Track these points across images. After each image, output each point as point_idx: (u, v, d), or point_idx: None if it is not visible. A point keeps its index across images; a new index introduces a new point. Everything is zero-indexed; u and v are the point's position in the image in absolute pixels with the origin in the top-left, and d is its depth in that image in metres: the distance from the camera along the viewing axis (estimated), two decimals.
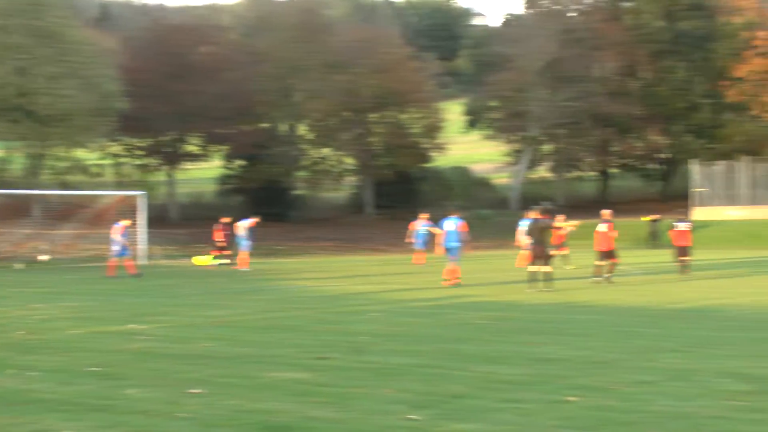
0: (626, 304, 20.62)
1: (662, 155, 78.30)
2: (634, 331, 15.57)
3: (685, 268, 30.21)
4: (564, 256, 34.56)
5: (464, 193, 69.78)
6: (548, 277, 24.18)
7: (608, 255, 27.53)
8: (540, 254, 24.27)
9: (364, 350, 13.66)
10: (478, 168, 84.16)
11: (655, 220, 50.98)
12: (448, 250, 27.10)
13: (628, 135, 75.17)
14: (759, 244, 49.67)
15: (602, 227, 27.96)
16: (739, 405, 9.55)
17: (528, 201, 47.89)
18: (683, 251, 30.62)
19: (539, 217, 25.03)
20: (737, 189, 59.87)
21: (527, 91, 70.64)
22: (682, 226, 31.12)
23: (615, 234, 28.06)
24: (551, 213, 29.35)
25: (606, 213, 28.76)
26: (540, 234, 24.46)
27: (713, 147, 70.55)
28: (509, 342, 14.39)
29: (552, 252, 34.89)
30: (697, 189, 60.86)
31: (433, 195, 65.87)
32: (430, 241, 35.97)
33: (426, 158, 69.52)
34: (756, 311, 18.62)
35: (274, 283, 29.13)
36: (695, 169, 61.86)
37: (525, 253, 24.45)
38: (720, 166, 61.19)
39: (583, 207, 58.04)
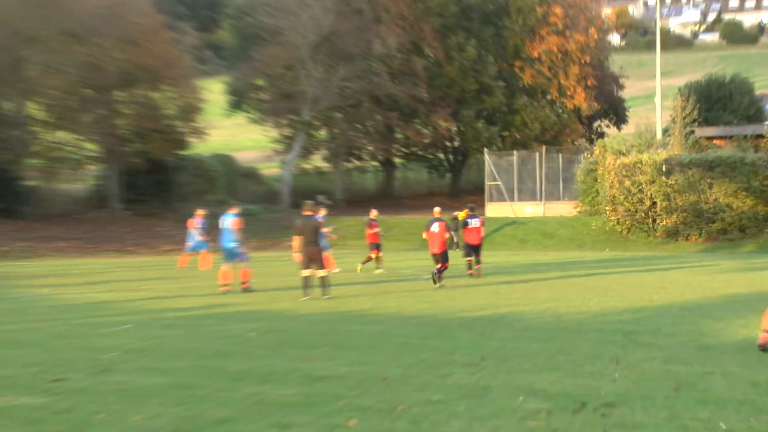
0: (413, 312, 20.87)
1: (452, 143, 79.88)
2: (421, 343, 15.79)
3: (475, 269, 30.96)
4: (377, 258, 35.09)
5: (228, 185, 69.54)
6: (325, 283, 24.25)
7: (443, 257, 27.83)
8: (314, 257, 24.21)
9: (110, 369, 13.44)
10: (244, 156, 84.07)
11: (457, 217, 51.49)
12: (224, 251, 26.91)
13: (414, 120, 76.31)
14: (554, 245, 51.49)
15: (435, 227, 28.28)
16: (536, 425, 9.83)
17: (301, 195, 48.07)
18: (475, 251, 31.34)
19: (312, 213, 24.89)
20: (533, 183, 61.26)
21: (299, 68, 70.99)
22: (473, 222, 31.83)
23: (447, 234, 28.55)
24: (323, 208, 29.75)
25: (437, 211, 29.16)
26: (313, 234, 24.32)
27: (508, 135, 72.57)
28: (281, 357, 14.41)
29: (371, 253, 35.38)
30: (490, 182, 62.16)
31: (193, 187, 65.38)
32: (211, 240, 35.97)
33: (183, 144, 68.79)
34: (552, 319, 19.17)
35: (1, 291, 28.29)
36: (488, 159, 63.01)
37: (297, 256, 24.32)
38: (515, 156, 62.54)
39: (365, 202, 58.73)
